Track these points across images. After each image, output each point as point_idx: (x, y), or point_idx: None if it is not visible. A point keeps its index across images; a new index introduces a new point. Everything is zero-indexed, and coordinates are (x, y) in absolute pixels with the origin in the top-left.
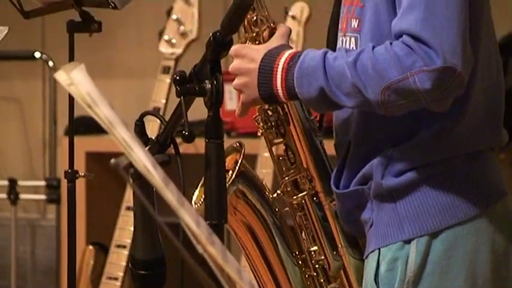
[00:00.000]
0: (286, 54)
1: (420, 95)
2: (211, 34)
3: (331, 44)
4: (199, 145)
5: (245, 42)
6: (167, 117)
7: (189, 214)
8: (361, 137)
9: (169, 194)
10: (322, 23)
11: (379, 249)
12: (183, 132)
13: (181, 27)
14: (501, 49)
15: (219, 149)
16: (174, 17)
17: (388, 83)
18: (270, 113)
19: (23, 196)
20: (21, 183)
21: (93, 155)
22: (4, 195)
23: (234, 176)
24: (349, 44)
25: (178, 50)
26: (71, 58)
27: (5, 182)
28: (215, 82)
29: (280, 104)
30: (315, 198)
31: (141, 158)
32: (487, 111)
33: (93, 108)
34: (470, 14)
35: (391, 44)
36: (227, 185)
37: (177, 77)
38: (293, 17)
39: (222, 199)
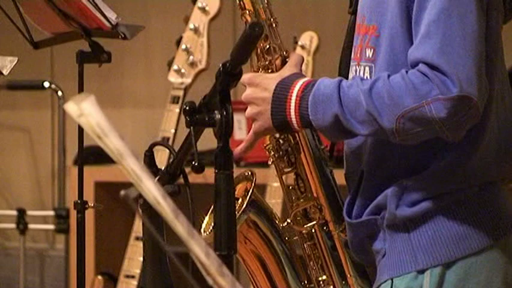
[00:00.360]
0: (301, 82)
1: (435, 123)
2: (220, 65)
3: (343, 73)
4: (208, 175)
5: (258, 71)
6: (176, 147)
7: (199, 245)
8: (375, 166)
9: (179, 225)
10: (331, 53)
11: (391, 279)
12: (193, 162)
13: (191, 57)
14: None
15: (228, 179)
16: (183, 46)
17: (403, 111)
18: (281, 141)
19: (31, 226)
20: (30, 213)
21: (102, 184)
22: (13, 225)
23: (245, 204)
24: (363, 74)
25: (188, 80)
26: (80, 88)
27: (14, 212)
28: (225, 113)
29: (293, 132)
30: (324, 228)
31: (151, 190)
32: (500, 141)
33: (103, 140)
34: (486, 45)
35: (407, 72)
36: (238, 213)
37: (187, 108)
38: (302, 47)
39: (232, 230)
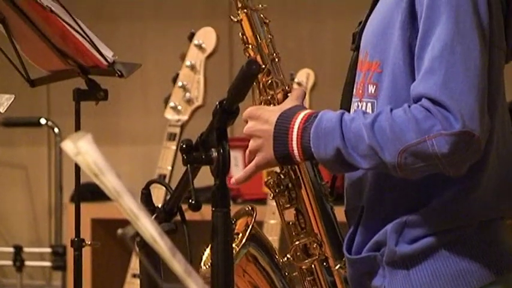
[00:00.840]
0: (302, 114)
1: (437, 159)
2: (217, 102)
3: (345, 110)
4: (205, 211)
5: (260, 105)
6: (173, 184)
7: (196, 283)
8: (375, 202)
9: (176, 263)
10: (328, 90)
11: None
12: (190, 200)
13: (187, 94)
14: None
15: (225, 217)
16: (179, 84)
17: (405, 145)
18: (282, 176)
19: (28, 263)
20: (26, 249)
21: (99, 221)
22: (10, 262)
23: (245, 239)
24: (366, 110)
25: (184, 117)
26: (77, 125)
27: (11, 249)
28: (221, 150)
29: (295, 164)
30: (324, 264)
31: (148, 228)
32: (501, 178)
33: (100, 178)
34: (488, 82)
35: (409, 106)
36: (238, 247)
37: (184, 146)
38: (299, 84)
39: (229, 268)
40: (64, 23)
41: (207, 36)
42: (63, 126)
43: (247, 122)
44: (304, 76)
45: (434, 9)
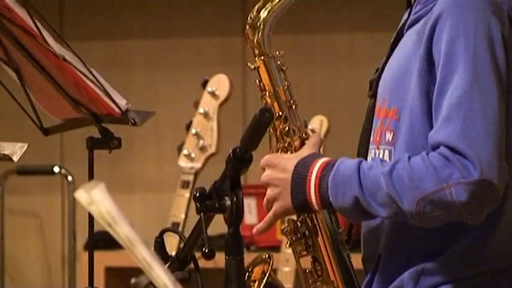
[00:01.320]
0: (320, 162)
1: (456, 207)
2: (231, 150)
3: (362, 156)
4: (218, 259)
5: (277, 152)
6: (187, 233)
7: None
8: (392, 250)
9: None
10: (342, 136)
11: None
12: (204, 249)
13: (201, 142)
14: None
15: (239, 265)
16: (193, 131)
17: (423, 194)
18: (299, 224)
19: None
20: None
21: (113, 270)
22: None
23: (261, 287)
24: (383, 157)
25: (198, 165)
26: (91, 173)
27: None
28: (235, 199)
29: (313, 212)
30: None
31: (161, 277)
32: None
33: (113, 227)
34: (506, 129)
35: (427, 154)
36: None
37: (197, 194)
38: (312, 131)
39: None
40: (77, 71)
41: (220, 84)
42: (77, 174)
43: (264, 170)
44: (318, 123)
45: (452, 56)
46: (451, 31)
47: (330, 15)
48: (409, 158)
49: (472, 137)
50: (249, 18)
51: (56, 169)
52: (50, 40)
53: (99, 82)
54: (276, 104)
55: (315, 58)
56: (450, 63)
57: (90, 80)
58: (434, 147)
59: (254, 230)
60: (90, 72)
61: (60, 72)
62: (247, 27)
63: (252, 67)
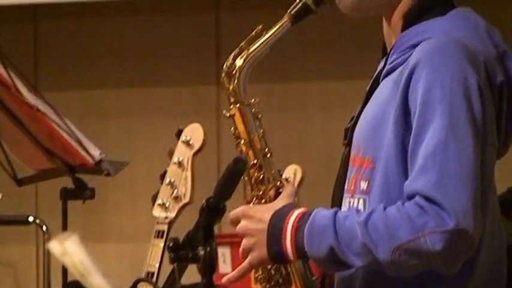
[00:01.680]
0: (296, 213)
1: (431, 256)
2: (204, 201)
3: (337, 205)
4: None
5: (251, 201)
6: (161, 282)
7: None
8: None
9: None
10: (315, 186)
11: None
12: None
13: (175, 191)
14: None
15: None
16: (167, 180)
17: (399, 243)
18: (272, 272)
19: None
20: None
21: None
22: None
23: None
24: (357, 206)
25: (172, 214)
26: (64, 223)
27: None
28: (208, 249)
29: (289, 263)
30: None
31: None
32: (491, 275)
33: (87, 278)
34: (481, 180)
35: (403, 204)
36: None
37: (171, 244)
38: (286, 180)
39: None
40: (51, 122)
41: (194, 133)
42: (52, 224)
43: (236, 223)
44: (292, 172)
45: (428, 106)
46: (427, 80)
47: (304, 64)
48: (385, 207)
49: (447, 186)
50: (224, 66)
51: (31, 219)
52: (24, 90)
53: (73, 132)
54: (251, 152)
55: (288, 106)
56: (426, 113)
57: (64, 131)
58: (410, 197)
59: (224, 279)
60: (64, 122)
61: (34, 122)
62: (223, 75)
63: (228, 115)
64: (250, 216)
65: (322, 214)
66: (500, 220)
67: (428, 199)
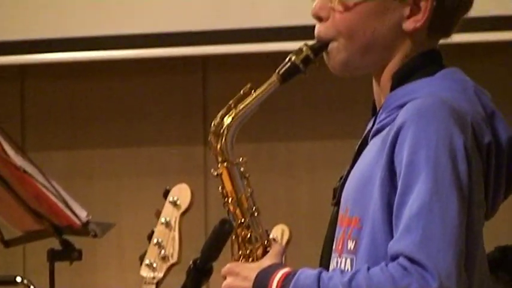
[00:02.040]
0: (280, 273)
1: None
2: (191, 262)
3: (325, 265)
4: None
5: (238, 259)
6: None
7: None
8: None
9: None
10: (303, 245)
11: None
12: None
13: (162, 251)
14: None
15: None
16: (155, 241)
17: None
18: None
19: None
20: None
21: None
22: None
23: None
24: (344, 266)
25: (159, 274)
26: (52, 284)
27: None
28: None
29: None
30: None
31: None
32: None
33: None
34: (467, 240)
35: (386, 265)
36: None
37: None
38: (274, 240)
39: None
40: (38, 184)
41: (181, 193)
42: (39, 285)
43: (225, 278)
44: (279, 232)
45: (413, 167)
46: (412, 141)
47: (292, 124)
48: (368, 268)
49: (431, 247)
50: (212, 125)
51: (19, 279)
52: (11, 152)
53: (59, 194)
54: (238, 211)
55: (276, 166)
56: (411, 174)
57: (51, 192)
58: (394, 258)
59: None
60: (51, 184)
61: (21, 184)
62: (211, 133)
63: (215, 173)
64: (236, 274)
65: (307, 274)
66: (489, 279)
67: (411, 260)
